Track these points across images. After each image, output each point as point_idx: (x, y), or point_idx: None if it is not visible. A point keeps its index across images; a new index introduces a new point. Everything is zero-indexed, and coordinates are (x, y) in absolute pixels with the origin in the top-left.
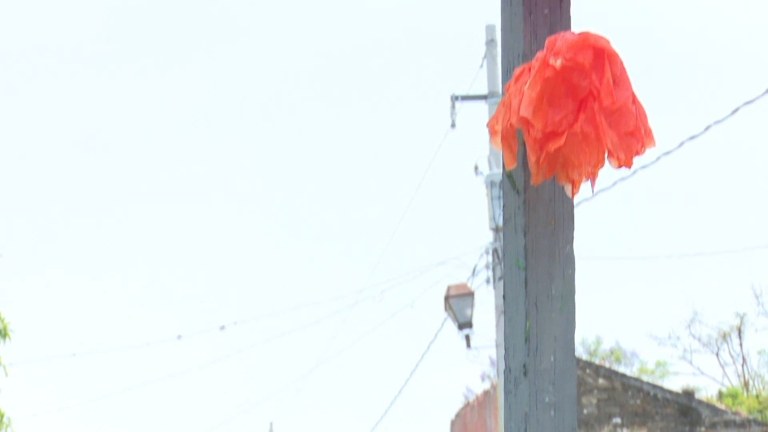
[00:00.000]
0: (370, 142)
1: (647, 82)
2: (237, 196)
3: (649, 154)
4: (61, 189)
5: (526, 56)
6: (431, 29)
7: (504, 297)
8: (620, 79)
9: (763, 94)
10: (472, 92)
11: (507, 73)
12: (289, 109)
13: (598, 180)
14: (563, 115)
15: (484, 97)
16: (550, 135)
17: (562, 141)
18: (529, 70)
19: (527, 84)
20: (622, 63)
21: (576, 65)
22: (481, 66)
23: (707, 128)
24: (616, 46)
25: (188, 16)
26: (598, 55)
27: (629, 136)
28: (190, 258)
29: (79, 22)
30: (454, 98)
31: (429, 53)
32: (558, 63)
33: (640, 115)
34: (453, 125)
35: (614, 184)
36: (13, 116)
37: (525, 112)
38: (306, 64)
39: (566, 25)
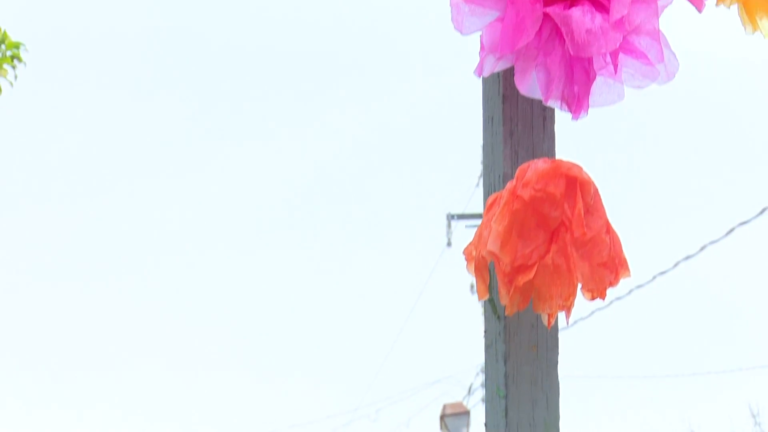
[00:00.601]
0: (366, 260)
1: (641, 201)
2: (226, 305)
3: (645, 273)
4: None
5: (507, 177)
6: (427, 147)
7: (485, 425)
8: (594, 208)
9: (758, 215)
10: (468, 211)
11: (489, 194)
12: (285, 225)
13: (575, 309)
14: (534, 247)
15: (480, 216)
16: (520, 268)
17: (531, 274)
18: (499, 200)
19: (494, 217)
20: (596, 191)
21: (547, 195)
22: (477, 185)
23: (702, 248)
24: (592, 172)
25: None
26: (571, 184)
27: (602, 267)
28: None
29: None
30: (450, 217)
31: (424, 172)
32: (527, 194)
33: (615, 245)
34: (449, 244)
35: (592, 313)
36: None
37: (492, 246)
38: (300, 182)
39: (550, 146)
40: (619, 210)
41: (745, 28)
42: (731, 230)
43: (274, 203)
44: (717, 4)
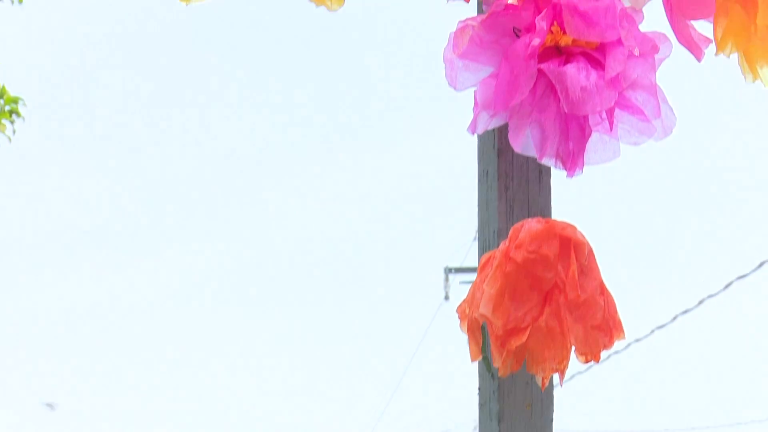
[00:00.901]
0: (363, 315)
1: (640, 253)
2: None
3: (644, 327)
4: None
5: (502, 234)
6: (425, 201)
7: None
8: (588, 268)
9: (756, 269)
10: (466, 264)
11: (483, 250)
12: (282, 282)
13: (572, 364)
14: (526, 309)
15: (477, 270)
16: (512, 331)
17: (524, 337)
18: (492, 261)
19: (487, 279)
20: (590, 251)
21: (540, 257)
22: (475, 238)
23: (700, 302)
24: (590, 224)
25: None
26: (565, 245)
27: (596, 329)
28: None
29: None
30: (448, 271)
31: (422, 225)
32: (520, 257)
33: (609, 306)
34: (446, 298)
35: (589, 368)
36: None
37: (484, 310)
38: (300, 237)
39: (546, 201)
40: (619, 262)
41: (745, 78)
42: (729, 284)
43: (278, 262)
44: (716, 54)
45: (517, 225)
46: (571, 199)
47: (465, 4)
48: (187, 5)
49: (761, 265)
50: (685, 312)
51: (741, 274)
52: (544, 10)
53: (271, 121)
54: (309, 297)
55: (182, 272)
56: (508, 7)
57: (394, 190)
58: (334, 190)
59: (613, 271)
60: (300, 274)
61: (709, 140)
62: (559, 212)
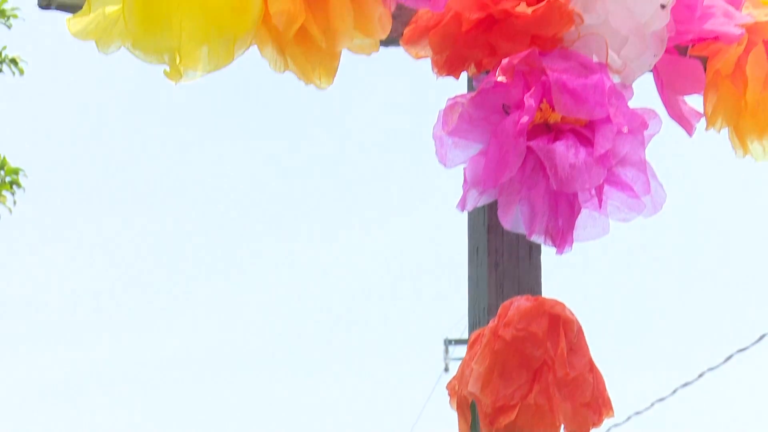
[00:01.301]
0: (361, 386)
1: (639, 326)
2: None
3: (643, 400)
4: None
5: (492, 311)
6: (425, 273)
7: None
8: (577, 346)
9: (756, 342)
10: (465, 336)
11: (473, 327)
12: (282, 352)
13: None
14: (515, 387)
15: None
16: (501, 409)
17: (513, 415)
18: (481, 338)
19: (476, 357)
20: (579, 329)
21: (529, 335)
22: None
23: (701, 375)
24: (585, 297)
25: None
26: (554, 323)
27: (585, 407)
28: None
29: None
30: (448, 342)
31: (422, 297)
32: (509, 335)
33: (598, 384)
34: (446, 369)
35: None
36: None
37: (473, 388)
38: (294, 313)
39: (536, 277)
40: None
41: (735, 152)
42: (729, 357)
43: (275, 334)
44: (707, 128)
45: (506, 303)
46: (565, 272)
47: (455, 80)
48: (176, 84)
49: (761, 338)
50: (686, 385)
51: (741, 347)
52: (533, 88)
53: (265, 193)
54: (308, 368)
55: (186, 338)
56: (497, 84)
57: (394, 262)
58: (331, 262)
59: (613, 344)
60: (298, 346)
61: (708, 211)
62: (550, 289)
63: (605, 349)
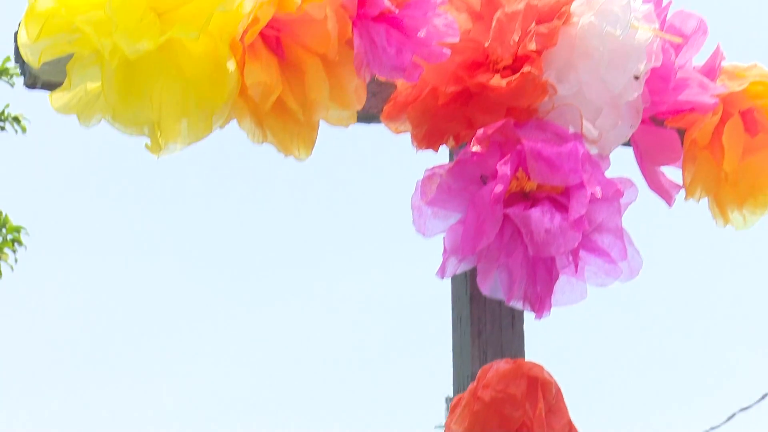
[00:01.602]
0: None
1: (640, 385)
2: None
3: None
4: None
5: (476, 378)
6: (423, 324)
7: None
8: (556, 407)
9: (759, 401)
10: None
11: (457, 392)
12: (276, 412)
13: None
14: None
15: None
16: None
17: None
18: (461, 401)
19: (455, 418)
20: (558, 390)
21: (508, 396)
22: None
23: None
24: (573, 363)
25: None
26: (532, 385)
27: None
28: None
29: None
30: (449, 400)
31: (424, 351)
32: (488, 396)
33: None
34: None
35: None
36: None
37: None
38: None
39: (519, 346)
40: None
41: (716, 222)
42: (732, 416)
43: (271, 390)
44: (686, 199)
45: (485, 366)
46: (548, 341)
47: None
48: (158, 157)
49: (764, 396)
50: None
51: (744, 406)
52: (508, 156)
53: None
54: (306, 421)
55: (175, 394)
56: (474, 154)
57: (390, 316)
58: (325, 316)
59: (616, 403)
60: (293, 400)
61: (710, 269)
62: (534, 357)
63: (598, 411)
